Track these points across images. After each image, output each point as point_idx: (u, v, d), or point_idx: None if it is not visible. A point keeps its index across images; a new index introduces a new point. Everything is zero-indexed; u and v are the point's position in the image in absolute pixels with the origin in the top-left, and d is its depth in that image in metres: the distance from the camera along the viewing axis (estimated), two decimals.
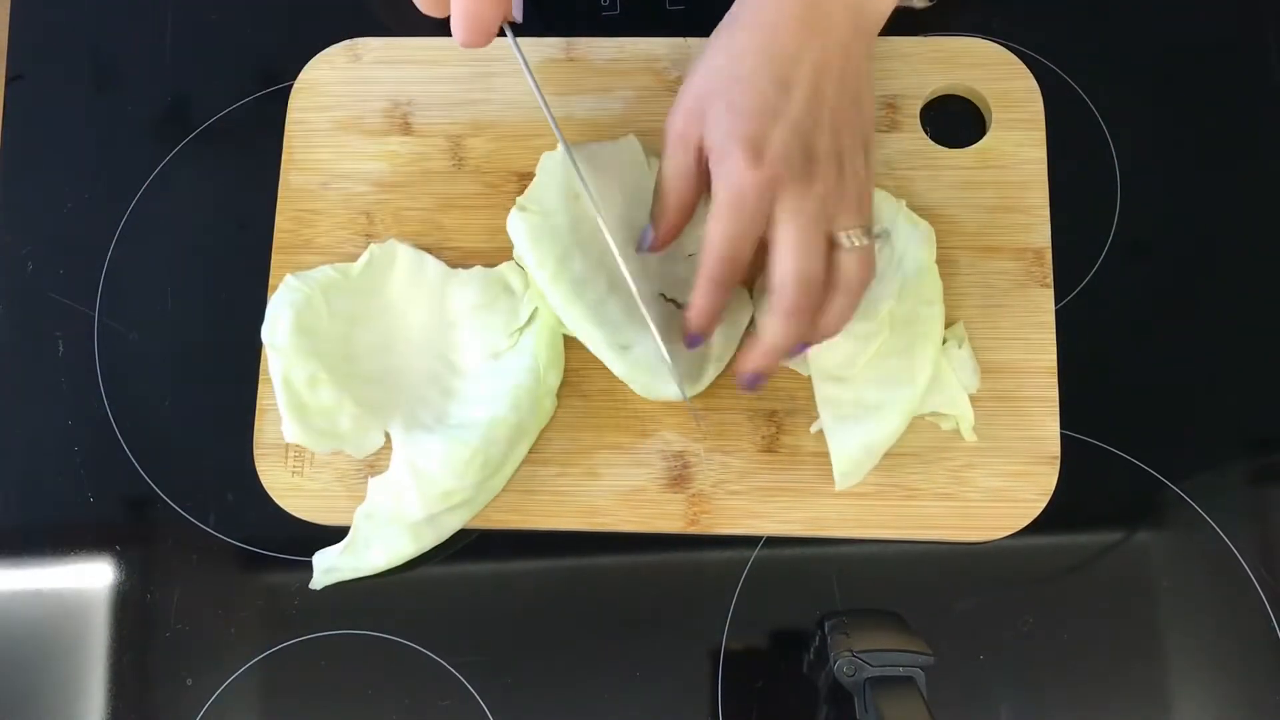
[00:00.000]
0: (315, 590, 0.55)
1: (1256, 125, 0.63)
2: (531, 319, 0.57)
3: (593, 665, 0.57)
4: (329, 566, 0.55)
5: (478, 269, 0.59)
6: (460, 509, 0.55)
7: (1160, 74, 0.64)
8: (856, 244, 0.50)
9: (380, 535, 0.55)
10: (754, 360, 0.52)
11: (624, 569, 0.58)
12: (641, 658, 0.57)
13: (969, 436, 0.56)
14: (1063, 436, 0.57)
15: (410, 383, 0.57)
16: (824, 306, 0.50)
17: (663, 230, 0.54)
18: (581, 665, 0.57)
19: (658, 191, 0.53)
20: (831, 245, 0.49)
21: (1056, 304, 0.58)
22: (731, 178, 0.48)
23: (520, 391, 0.55)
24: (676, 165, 0.52)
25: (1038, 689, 0.56)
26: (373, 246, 0.59)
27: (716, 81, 0.50)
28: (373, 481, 0.55)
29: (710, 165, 0.50)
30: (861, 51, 0.52)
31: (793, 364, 0.57)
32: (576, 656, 0.57)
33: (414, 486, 0.54)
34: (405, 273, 0.59)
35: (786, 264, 0.48)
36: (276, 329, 0.55)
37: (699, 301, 0.51)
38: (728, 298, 0.51)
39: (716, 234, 0.49)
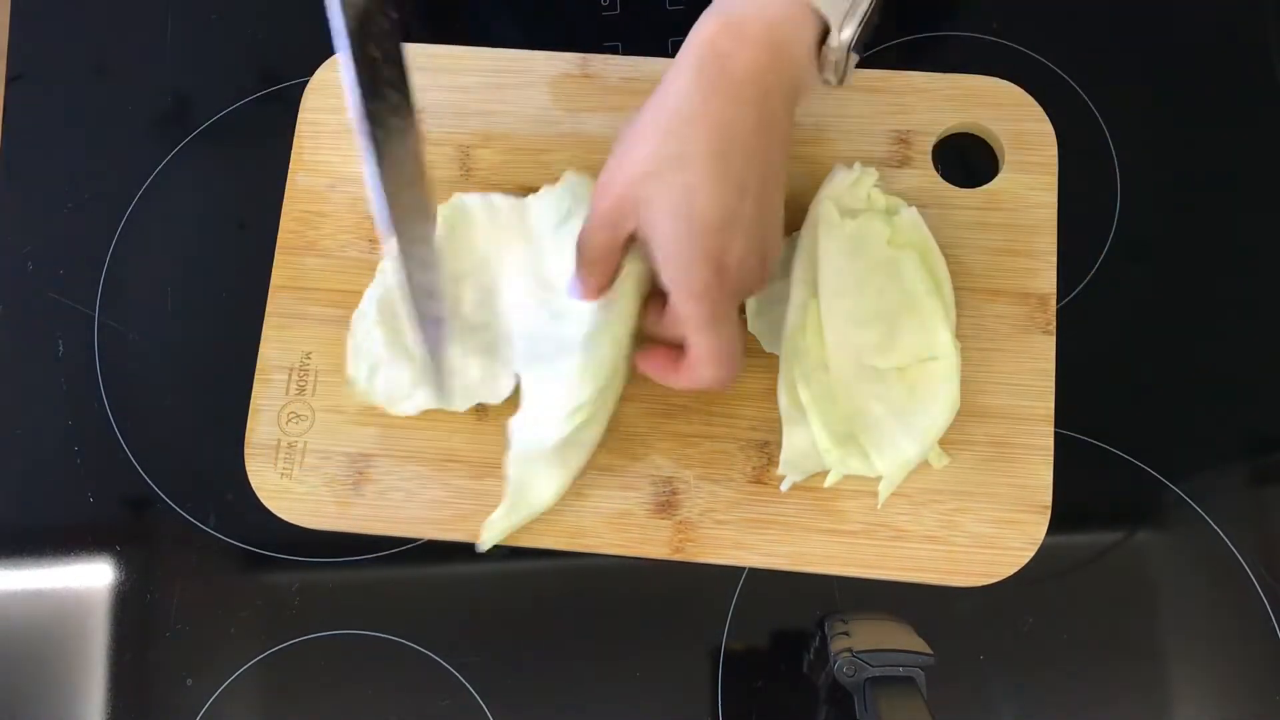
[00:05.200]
0: (482, 550, 0.55)
1: (1256, 125, 0.63)
2: None
3: (593, 665, 0.57)
4: (501, 526, 0.55)
5: (545, 188, 0.58)
6: (589, 426, 0.54)
7: (1160, 74, 0.64)
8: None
9: (533, 473, 0.55)
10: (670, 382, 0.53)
11: (624, 569, 0.58)
12: (641, 657, 0.57)
13: (938, 463, 0.56)
14: (1062, 437, 0.57)
15: (521, 319, 0.57)
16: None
17: (587, 294, 0.53)
18: (581, 665, 0.57)
19: (580, 257, 0.52)
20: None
21: (1057, 304, 0.58)
22: (702, 294, 0.48)
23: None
24: (602, 242, 0.51)
25: (1038, 689, 0.56)
26: (441, 208, 0.58)
27: (661, 182, 0.47)
28: (511, 422, 0.56)
29: (667, 270, 0.48)
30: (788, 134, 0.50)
31: (766, 346, 0.57)
32: (576, 656, 0.57)
33: (544, 411, 0.54)
34: (483, 220, 0.59)
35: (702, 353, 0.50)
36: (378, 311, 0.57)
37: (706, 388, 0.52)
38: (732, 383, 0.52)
39: (705, 348, 0.49)
